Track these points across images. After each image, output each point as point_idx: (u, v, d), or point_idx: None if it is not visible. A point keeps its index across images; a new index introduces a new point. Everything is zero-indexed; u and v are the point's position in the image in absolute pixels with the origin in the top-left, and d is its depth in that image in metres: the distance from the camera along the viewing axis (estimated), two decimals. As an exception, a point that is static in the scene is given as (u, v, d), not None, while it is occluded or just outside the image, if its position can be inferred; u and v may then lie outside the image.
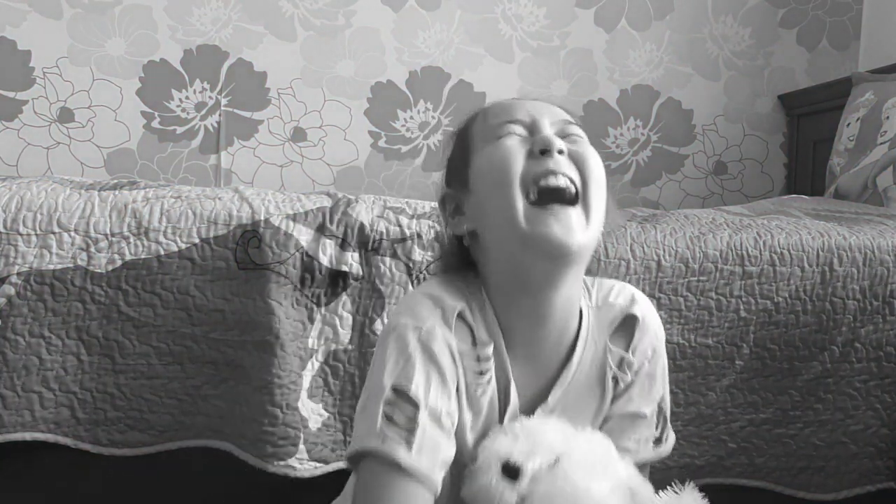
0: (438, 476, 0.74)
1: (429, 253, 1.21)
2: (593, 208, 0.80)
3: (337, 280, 1.19)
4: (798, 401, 1.28)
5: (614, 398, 0.88)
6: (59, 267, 1.15)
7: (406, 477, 0.72)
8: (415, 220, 1.23)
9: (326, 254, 1.19)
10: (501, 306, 0.83)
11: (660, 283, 1.24)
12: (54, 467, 1.19)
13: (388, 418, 0.73)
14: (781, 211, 1.64)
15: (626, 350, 0.87)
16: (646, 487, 0.83)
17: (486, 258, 0.83)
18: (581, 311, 0.86)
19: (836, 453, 1.28)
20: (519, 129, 0.82)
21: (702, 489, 1.26)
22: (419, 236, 1.21)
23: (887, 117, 1.95)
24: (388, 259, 1.20)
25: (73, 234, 1.16)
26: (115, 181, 1.31)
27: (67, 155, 2.26)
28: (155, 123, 2.30)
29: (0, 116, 2.22)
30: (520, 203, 0.78)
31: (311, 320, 1.19)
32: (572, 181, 0.79)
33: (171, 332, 1.17)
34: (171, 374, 1.17)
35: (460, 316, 0.80)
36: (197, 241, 1.18)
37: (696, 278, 1.25)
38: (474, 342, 0.81)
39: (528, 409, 0.84)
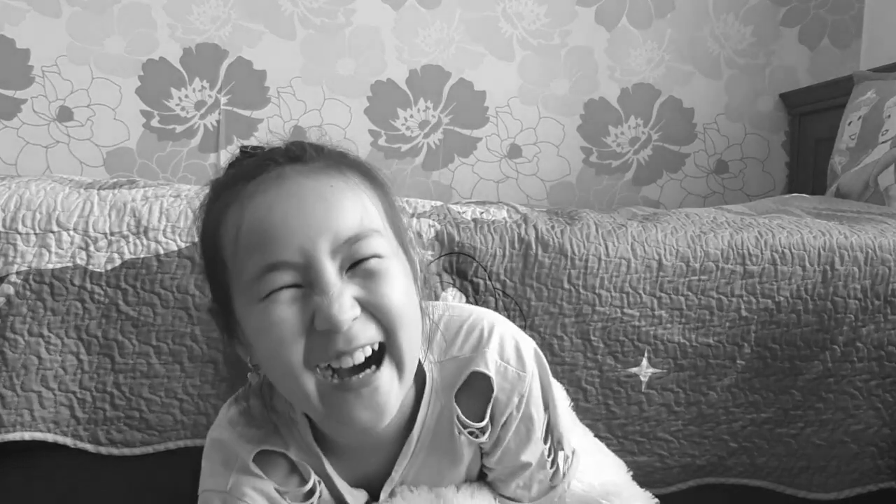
0: None
1: (429, 252, 1.20)
2: (405, 354, 0.65)
3: (337, 279, 1.19)
4: (799, 400, 1.27)
5: (487, 451, 0.77)
6: (59, 266, 1.15)
7: None
8: (415, 219, 1.23)
9: (326, 253, 1.19)
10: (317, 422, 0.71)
11: (661, 283, 1.24)
12: (53, 467, 1.19)
13: None
14: (783, 210, 1.64)
15: (485, 405, 0.73)
16: None
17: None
18: (426, 382, 0.74)
19: (837, 453, 1.28)
20: (287, 277, 0.62)
21: (703, 489, 1.27)
22: (419, 235, 1.21)
23: (889, 116, 1.95)
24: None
25: (72, 233, 1.16)
26: (115, 180, 1.31)
27: (66, 154, 2.26)
28: (154, 122, 2.29)
29: (-1, 115, 2.22)
30: (310, 386, 0.63)
31: (311, 319, 1.18)
32: (371, 347, 0.64)
33: (170, 332, 1.16)
34: (171, 374, 1.17)
35: (265, 452, 0.72)
36: (197, 240, 1.17)
37: (696, 277, 1.25)
38: (293, 470, 0.72)
39: (375, 488, 0.76)
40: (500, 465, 0.78)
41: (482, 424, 0.73)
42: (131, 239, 1.17)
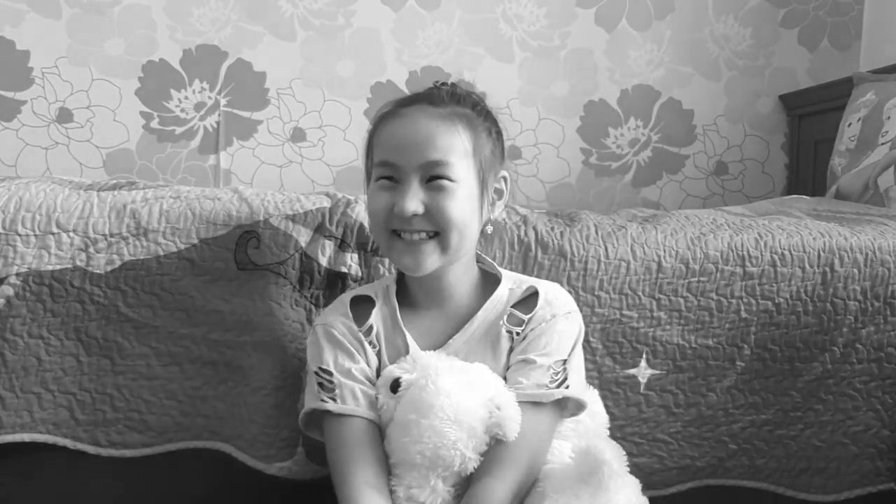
0: (366, 409, 1.00)
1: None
2: (451, 243, 0.98)
3: (336, 281, 1.19)
4: (799, 402, 1.27)
5: (511, 350, 1.04)
6: (58, 267, 1.15)
7: (342, 417, 1.00)
8: (414, 221, 1.23)
9: (325, 255, 1.19)
10: (409, 283, 1.07)
11: (660, 284, 1.24)
12: (53, 468, 1.19)
13: (321, 386, 1.02)
14: (782, 211, 1.64)
15: (526, 314, 1.04)
16: (512, 406, 0.95)
17: None
18: (497, 289, 1.06)
19: (836, 454, 1.28)
20: (389, 172, 0.99)
21: (702, 490, 1.27)
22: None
23: (888, 117, 1.95)
24: (387, 260, 1.20)
25: (71, 234, 1.16)
26: (114, 181, 1.31)
27: (66, 155, 2.26)
28: (154, 123, 2.30)
29: (-1, 117, 2.22)
30: (385, 237, 1.01)
31: (310, 321, 1.18)
32: (427, 232, 0.98)
33: (170, 333, 1.16)
34: (170, 376, 1.17)
35: (359, 300, 1.06)
36: (196, 241, 1.17)
37: (696, 279, 1.25)
38: (365, 321, 1.04)
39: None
40: (515, 359, 1.02)
41: (524, 318, 1.03)
42: (131, 240, 1.17)
